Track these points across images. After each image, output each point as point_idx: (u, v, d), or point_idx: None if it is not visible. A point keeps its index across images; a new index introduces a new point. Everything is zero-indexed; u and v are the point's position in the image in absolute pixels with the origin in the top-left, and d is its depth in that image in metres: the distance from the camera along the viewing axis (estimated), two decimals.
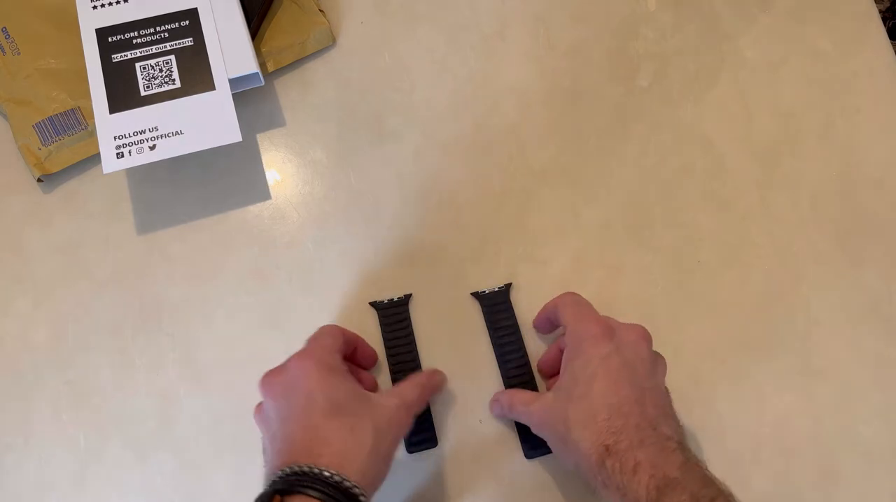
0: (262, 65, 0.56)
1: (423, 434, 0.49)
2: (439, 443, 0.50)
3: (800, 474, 0.49)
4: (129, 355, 0.52)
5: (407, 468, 0.50)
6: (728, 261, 0.54)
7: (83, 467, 0.50)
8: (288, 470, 0.36)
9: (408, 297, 0.53)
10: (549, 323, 0.50)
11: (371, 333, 0.52)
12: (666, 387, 0.44)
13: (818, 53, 0.59)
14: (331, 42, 0.59)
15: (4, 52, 0.56)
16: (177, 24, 0.55)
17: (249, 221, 0.55)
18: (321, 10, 0.59)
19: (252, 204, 0.56)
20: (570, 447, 0.40)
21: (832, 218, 0.55)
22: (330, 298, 0.53)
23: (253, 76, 0.54)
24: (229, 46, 0.54)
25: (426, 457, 0.50)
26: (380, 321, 0.52)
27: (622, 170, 0.56)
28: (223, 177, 0.56)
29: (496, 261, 0.54)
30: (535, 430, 0.45)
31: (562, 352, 0.45)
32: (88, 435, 0.50)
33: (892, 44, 0.60)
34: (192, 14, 0.55)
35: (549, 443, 0.45)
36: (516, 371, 0.51)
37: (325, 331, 0.45)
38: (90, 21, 0.54)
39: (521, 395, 0.47)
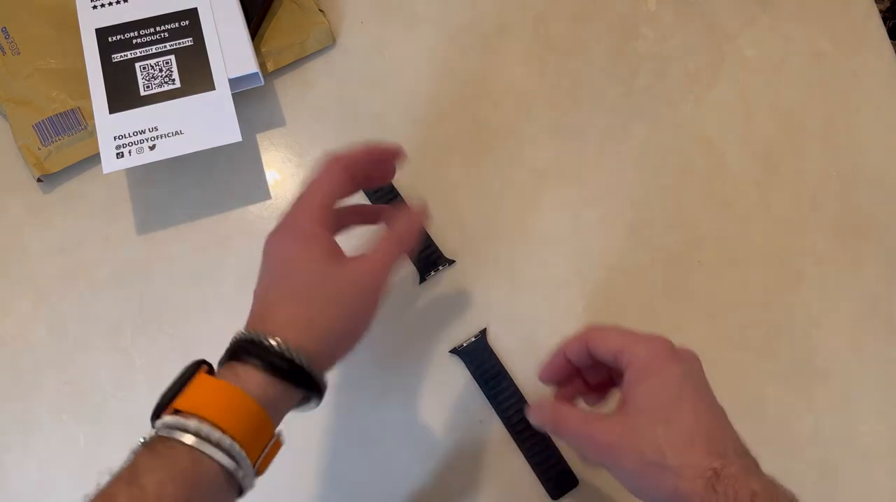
0: (261, 64, 0.56)
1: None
2: (437, 446, 0.50)
3: (800, 474, 0.49)
4: (129, 355, 0.52)
5: (407, 468, 0.50)
6: (728, 261, 0.54)
7: (83, 467, 0.50)
8: (238, 337, 0.36)
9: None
10: (568, 364, 0.44)
11: None
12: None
13: (818, 53, 0.59)
14: (331, 42, 0.59)
15: (4, 52, 0.56)
16: (177, 24, 0.55)
17: (249, 221, 0.55)
18: (321, 10, 0.59)
19: (252, 204, 0.56)
20: (664, 474, 0.36)
21: (832, 217, 0.55)
22: None
23: (253, 76, 0.54)
24: (229, 46, 0.54)
25: (427, 457, 0.50)
26: None
27: (622, 170, 0.56)
28: (223, 178, 0.56)
29: (496, 261, 0.54)
30: (595, 454, 0.40)
31: (568, 359, 0.43)
32: (88, 435, 0.50)
33: (892, 43, 0.60)
34: (192, 14, 0.55)
35: (621, 470, 0.39)
36: (517, 416, 0.50)
37: (318, 182, 0.41)
38: (90, 21, 0.54)
39: (575, 413, 0.41)
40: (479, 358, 0.51)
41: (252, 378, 0.34)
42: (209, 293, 0.54)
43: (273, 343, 0.35)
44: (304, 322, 0.36)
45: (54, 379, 0.52)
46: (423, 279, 0.53)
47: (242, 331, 0.37)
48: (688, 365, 0.40)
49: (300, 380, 0.35)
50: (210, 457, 0.32)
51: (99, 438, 0.50)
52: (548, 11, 0.61)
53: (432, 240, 0.54)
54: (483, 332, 0.52)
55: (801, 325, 0.52)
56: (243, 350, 0.35)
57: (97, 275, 0.54)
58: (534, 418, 0.44)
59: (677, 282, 0.54)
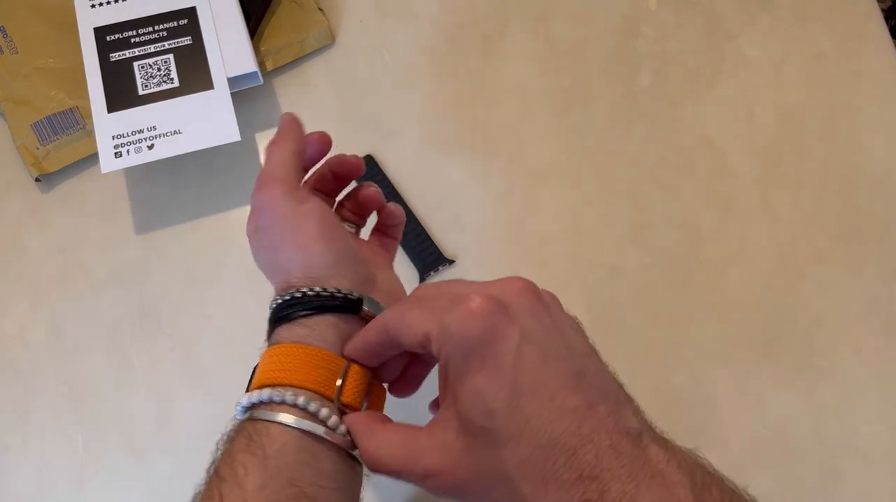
0: (260, 63, 0.56)
1: None
2: None
3: (801, 474, 0.49)
4: (128, 355, 0.52)
5: None
6: (729, 261, 0.54)
7: (82, 468, 0.50)
8: (280, 301, 0.34)
9: None
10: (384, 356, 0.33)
11: None
12: (591, 347, 0.32)
13: (820, 53, 0.59)
14: (330, 41, 0.59)
15: (3, 52, 0.56)
16: (175, 23, 0.54)
17: None
18: (320, 9, 0.59)
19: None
20: None
21: (833, 217, 0.55)
22: None
23: (252, 75, 0.54)
24: (228, 45, 0.54)
25: None
26: None
27: (623, 170, 0.56)
28: (222, 177, 0.56)
29: (496, 261, 0.54)
30: (441, 494, 0.28)
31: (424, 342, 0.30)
32: (87, 435, 0.50)
33: (894, 43, 0.60)
34: (191, 13, 0.55)
35: None
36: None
37: (279, 145, 0.38)
38: (88, 20, 0.54)
39: (387, 432, 0.30)
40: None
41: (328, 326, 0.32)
42: (208, 293, 0.53)
43: (328, 292, 0.33)
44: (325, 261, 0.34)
45: (53, 379, 0.51)
46: (423, 279, 0.53)
47: (292, 289, 0.34)
48: (520, 325, 0.28)
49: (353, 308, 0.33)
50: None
51: (98, 438, 0.50)
52: (548, 11, 0.60)
53: (432, 240, 0.54)
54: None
55: (802, 325, 0.52)
56: (300, 304, 0.33)
57: (96, 275, 0.54)
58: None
59: (678, 282, 0.53)
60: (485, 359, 0.27)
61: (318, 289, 0.33)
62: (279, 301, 0.34)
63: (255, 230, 0.37)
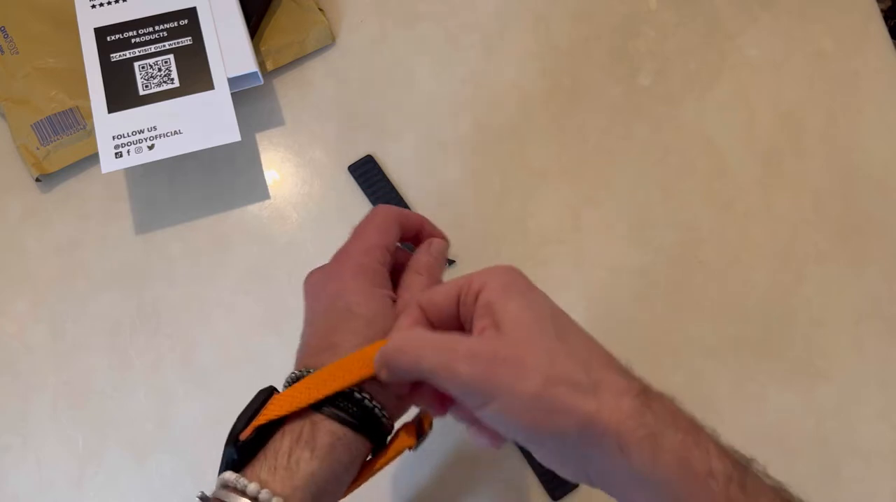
0: (261, 64, 0.56)
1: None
2: (437, 446, 0.49)
3: (801, 474, 0.49)
4: (128, 355, 0.52)
5: (407, 467, 0.49)
6: (729, 261, 0.54)
7: (82, 468, 0.50)
8: (296, 374, 0.33)
9: None
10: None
11: None
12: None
13: (820, 52, 0.59)
14: (330, 41, 0.59)
15: (3, 52, 0.56)
16: (175, 24, 0.54)
17: (248, 221, 0.55)
18: (321, 9, 0.59)
19: (251, 203, 0.56)
20: (575, 394, 0.28)
21: (834, 217, 0.55)
22: None
23: (252, 75, 0.54)
24: (228, 45, 0.54)
25: (427, 457, 0.49)
26: None
27: (623, 170, 0.56)
28: (222, 177, 0.56)
29: (496, 261, 0.54)
30: (469, 380, 0.29)
31: (458, 295, 0.33)
32: (87, 435, 0.50)
33: (893, 43, 0.60)
34: (191, 13, 0.55)
35: (510, 398, 0.28)
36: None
37: (372, 224, 0.38)
38: (89, 20, 0.54)
39: (429, 334, 0.31)
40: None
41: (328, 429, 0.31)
42: (208, 293, 0.53)
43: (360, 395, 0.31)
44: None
45: (53, 379, 0.51)
46: None
47: (303, 367, 0.33)
48: (540, 291, 0.33)
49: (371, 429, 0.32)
50: None
51: (98, 438, 0.50)
52: (548, 11, 0.60)
53: None
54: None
55: (802, 325, 0.52)
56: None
57: (96, 275, 0.54)
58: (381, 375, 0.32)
59: (678, 282, 0.53)
60: (524, 293, 0.31)
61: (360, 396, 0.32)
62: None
63: (327, 281, 0.37)
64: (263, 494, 0.29)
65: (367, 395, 0.32)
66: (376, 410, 0.32)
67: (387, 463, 0.34)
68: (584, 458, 0.29)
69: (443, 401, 0.33)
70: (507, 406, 0.28)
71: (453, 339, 0.30)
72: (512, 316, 0.30)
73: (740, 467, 0.29)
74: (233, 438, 0.31)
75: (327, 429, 0.31)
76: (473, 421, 0.33)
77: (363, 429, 0.31)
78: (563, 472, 0.30)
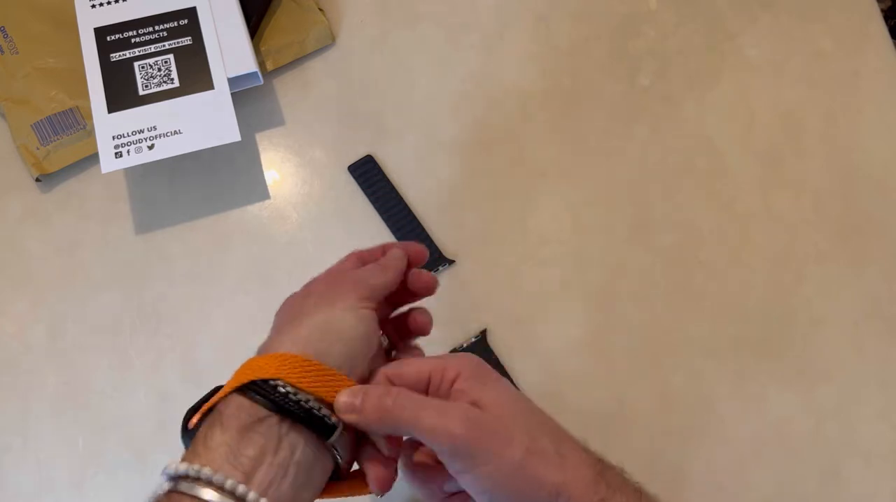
0: (261, 64, 0.56)
1: None
2: None
3: (801, 475, 0.49)
4: (128, 355, 0.52)
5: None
6: (729, 261, 0.54)
7: (82, 468, 0.50)
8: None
9: None
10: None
11: None
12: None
13: (820, 53, 0.59)
14: (330, 41, 0.59)
15: (3, 52, 0.56)
16: (175, 23, 0.54)
17: (248, 221, 0.55)
18: (321, 9, 0.59)
19: (251, 203, 0.56)
20: (548, 465, 0.32)
21: (834, 217, 0.55)
22: None
23: (252, 75, 0.54)
24: (228, 45, 0.54)
25: None
26: None
27: (623, 170, 0.56)
28: (222, 177, 0.56)
29: (496, 261, 0.54)
30: (452, 445, 0.31)
31: (429, 378, 0.35)
32: (87, 435, 0.50)
33: (893, 43, 0.60)
34: (191, 13, 0.55)
35: (490, 464, 0.31)
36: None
37: (384, 270, 0.39)
38: (89, 20, 0.54)
39: (413, 395, 0.33)
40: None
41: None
42: (208, 293, 0.53)
43: (272, 383, 0.31)
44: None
45: (53, 379, 0.51)
46: None
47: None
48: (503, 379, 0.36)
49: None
50: None
51: (98, 438, 0.50)
52: (548, 11, 0.60)
53: (432, 241, 0.54)
54: (483, 333, 0.52)
55: (802, 325, 0.52)
56: (247, 387, 0.32)
57: (95, 274, 0.54)
58: (345, 409, 0.33)
59: (678, 282, 0.53)
60: (497, 381, 0.35)
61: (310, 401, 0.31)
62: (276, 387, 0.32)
63: (313, 292, 0.38)
64: (181, 467, 0.31)
65: (281, 382, 0.32)
66: (290, 396, 0.31)
67: (352, 491, 0.35)
68: None
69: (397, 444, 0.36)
70: (494, 471, 0.31)
71: (449, 404, 0.33)
72: (491, 397, 0.33)
73: None
74: (183, 429, 0.33)
75: (237, 405, 0.32)
76: (440, 497, 0.36)
77: (282, 411, 0.31)
78: None
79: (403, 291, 0.40)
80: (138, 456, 0.50)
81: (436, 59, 0.59)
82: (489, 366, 0.35)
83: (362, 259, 0.41)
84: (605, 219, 0.55)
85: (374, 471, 0.34)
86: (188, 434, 0.33)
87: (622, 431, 0.50)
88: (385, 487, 0.34)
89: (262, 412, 0.31)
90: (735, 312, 0.53)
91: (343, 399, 0.33)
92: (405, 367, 0.35)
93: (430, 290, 0.41)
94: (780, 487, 0.49)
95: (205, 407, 0.33)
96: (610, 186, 0.56)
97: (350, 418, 0.32)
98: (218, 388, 0.34)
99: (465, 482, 0.32)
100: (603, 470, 0.33)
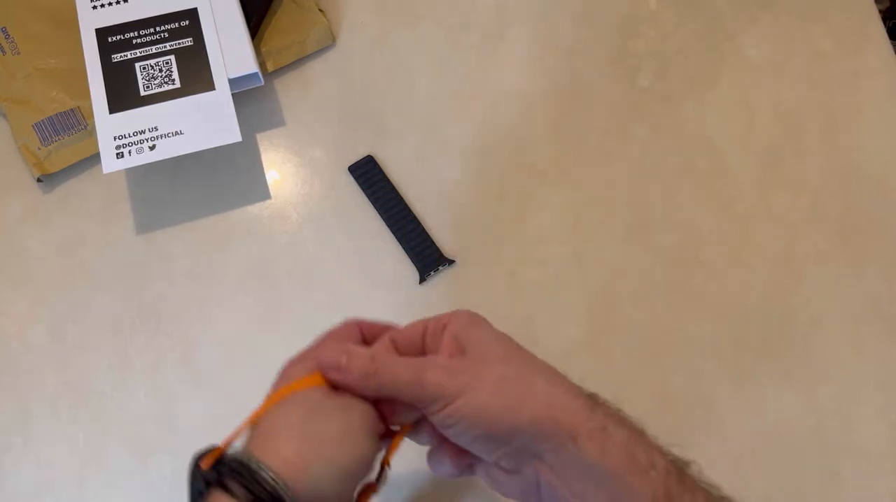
0: (261, 64, 0.56)
1: None
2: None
3: (801, 474, 0.49)
4: (128, 355, 0.52)
5: (407, 467, 0.49)
6: (729, 261, 0.54)
7: (82, 467, 0.50)
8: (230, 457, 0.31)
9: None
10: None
11: None
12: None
13: (819, 53, 0.59)
14: (331, 41, 0.59)
15: (4, 52, 0.56)
16: (176, 24, 0.55)
17: (249, 221, 0.55)
18: (321, 10, 0.59)
19: (252, 203, 0.56)
20: (532, 392, 0.31)
21: (833, 217, 0.55)
22: (329, 298, 0.53)
23: (252, 76, 0.54)
24: (229, 46, 0.54)
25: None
26: None
27: (623, 170, 0.56)
28: (222, 177, 0.56)
29: (496, 261, 0.54)
30: (438, 392, 0.31)
31: (425, 329, 0.36)
32: (87, 435, 0.50)
33: (892, 43, 0.60)
34: (192, 14, 0.55)
35: (474, 402, 0.31)
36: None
37: (330, 336, 0.37)
38: (90, 21, 0.54)
39: (396, 357, 0.34)
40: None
41: None
42: (208, 293, 0.53)
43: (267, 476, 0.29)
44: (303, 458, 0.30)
45: (53, 379, 0.52)
46: (423, 279, 0.53)
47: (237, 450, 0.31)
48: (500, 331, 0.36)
49: None
50: None
51: (98, 438, 0.50)
52: (548, 11, 0.60)
53: (432, 240, 0.54)
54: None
55: (802, 325, 0.52)
56: (231, 472, 0.30)
57: (96, 275, 0.54)
58: (329, 366, 0.32)
59: (678, 282, 0.53)
60: (484, 327, 0.35)
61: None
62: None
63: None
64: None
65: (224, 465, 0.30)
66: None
67: None
68: (536, 455, 0.31)
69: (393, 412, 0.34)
70: (465, 405, 0.31)
71: (422, 359, 0.33)
72: (474, 338, 0.34)
73: (679, 465, 0.32)
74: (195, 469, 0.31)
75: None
76: (435, 439, 0.35)
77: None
78: (512, 489, 0.33)
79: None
80: (138, 456, 0.50)
81: (436, 59, 0.59)
82: (482, 317, 0.35)
83: (361, 330, 0.38)
84: (605, 220, 0.55)
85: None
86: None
87: None
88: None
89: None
90: (735, 312, 0.53)
91: (328, 355, 0.33)
92: (406, 327, 0.36)
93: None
94: (779, 487, 0.49)
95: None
96: (610, 186, 0.56)
97: (335, 377, 0.32)
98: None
99: (440, 422, 0.32)
100: (597, 402, 0.32)
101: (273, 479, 0.29)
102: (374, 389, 0.32)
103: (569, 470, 0.31)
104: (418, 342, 0.36)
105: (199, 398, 0.51)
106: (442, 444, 0.35)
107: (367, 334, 0.38)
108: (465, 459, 0.35)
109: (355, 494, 0.34)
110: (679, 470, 0.32)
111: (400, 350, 0.35)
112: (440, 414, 0.31)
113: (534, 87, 0.58)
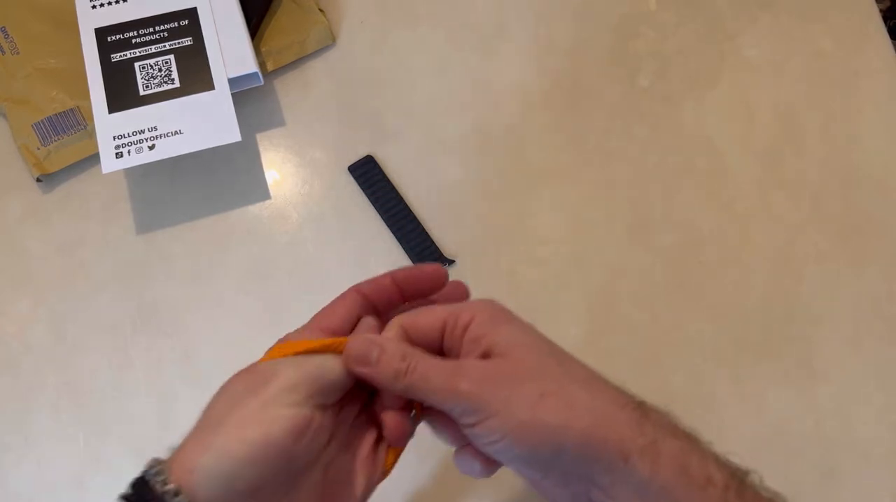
0: (261, 64, 0.56)
1: None
2: (437, 445, 0.49)
3: (800, 475, 0.49)
4: (129, 355, 0.52)
5: (407, 467, 0.49)
6: (729, 261, 0.54)
7: (82, 467, 0.50)
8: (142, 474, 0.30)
9: None
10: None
11: None
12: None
13: (819, 53, 0.59)
14: (331, 41, 0.59)
15: (4, 52, 0.56)
16: (176, 24, 0.54)
17: (249, 221, 0.55)
18: (321, 10, 0.59)
19: (251, 203, 0.56)
20: (576, 406, 0.29)
21: (833, 217, 0.55)
22: (329, 298, 0.53)
23: (252, 76, 0.54)
24: (228, 46, 0.54)
25: (427, 457, 0.49)
26: None
27: (622, 170, 0.56)
28: (222, 177, 0.56)
29: (496, 261, 0.54)
30: (473, 402, 0.29)
31: (444, 325, 0.32)
32: (88, 435, 0.50)
33: (893, 43, 0.60)
34: (192, 13, 0.55)
35: (510, 414, 0.28)
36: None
37: (323, 312, 0.34)
38: (89, 20, 0.54)
39: (432, 359, 0.30)
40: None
41: None
42: (208, 293, 0.53)
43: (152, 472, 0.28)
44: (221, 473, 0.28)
45: (53, 379, 0.52)
46: None
47: (153, 460, 0.30)
48: (525, 320, 0.33)
49: None
50: None
51: (98, 438, 0.50)
52: (548, 11, 0.60)
53: (432, 240, 0.54)
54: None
55: (801, 325, 0.52)
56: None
57: (96, 275, 0.54)
58: (357, 361, 0.30)
59: (678, 282, 0.53)
60: (512, 321, 0.32)
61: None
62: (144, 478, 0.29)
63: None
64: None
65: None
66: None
67: None
68: (586, 476, 0.29)
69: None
70: (503, 421, 0.28)
71: (456, 365, 0.30)
72: (505, 341, 0.30)
73: (738, 476, 0.30)
74: None
75: None
76: (465, 444, 0.32)
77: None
78: (561, 499, 0.30)
79: (396, 295, 0.35)
80: (138, 456, 0.50)
81: (436, 59, 0.59)
82: (505, 308, 0.32)
83: (364, 295, 0.34)
84: (605, 220, 0.55)
85: (389, 419, 0.32)
86: None
87: None
88: (399, 439, 0.32)
89: None
90: (735, 312, 0.53)
91: (359, 345, 0.30)
92: (420, 316, 0.32)
93: (438, 283, 0.35)
94: (779, 487, 0.49)
95: None
96: (610, 186, 0.56)
97: (362, 371, 0.30)
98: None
99: (475, 436, 0.29)
100: (645, 412, 0.30)
101: (165, 493, 0.27)
102: (403, 390, 0.30)
103: (620, 488, 0.28)
104: (436, 337, 0.32)
105: (200, 398, 0.51)
106: (467, 446, 0.32)
107: (377, 303, 0.34)
108: (497, 463, 0.32)
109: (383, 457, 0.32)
110: (739, 481, 0.30)
111: (414, 340, 0.32)
112: (474, 429, 0.29)
113: (534, 87, 0.58)
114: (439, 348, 0.32)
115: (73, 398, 0.51)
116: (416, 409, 0.33)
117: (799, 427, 0.50)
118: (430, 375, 0.29)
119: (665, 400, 0.51)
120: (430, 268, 0.35)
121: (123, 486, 0.50)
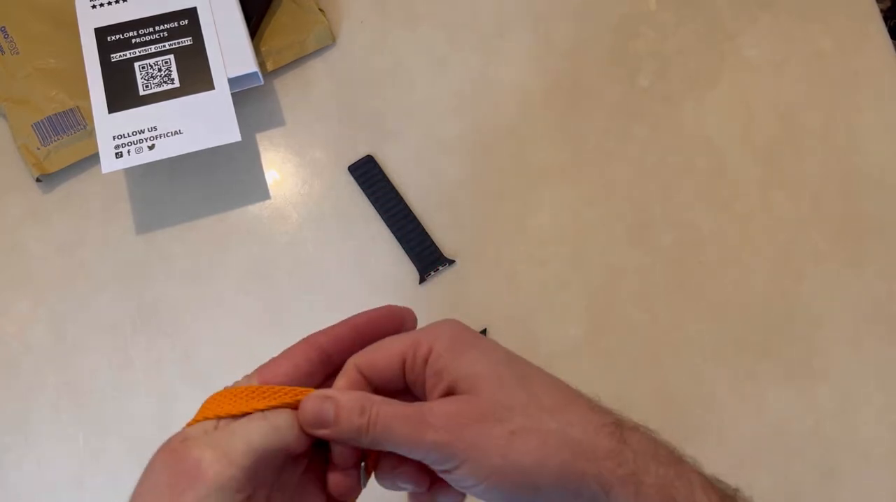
0: (261, 64, 0.56)
1: None
2: None
3: (800, 474, 0.49)
4: (129, 355, 0.52)
5: None
6: (729, 261, 0.54)
7: (82, 467, 0.50)
8: None
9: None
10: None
11: None
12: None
13: (819, 53, 0.59)
14: (330, 41, 0.59)
15: (3, 52, 0.56)
16: (176, 24, 0.54)
17: (249, 221, 0.55)
18: (321, 10, 0.59)
19: (251, 203, 0.56)
20: (549, 438, 0.27)
21: (833, 217, 0.55)
22: (329, 298, 0.53)
23: (252, 75, 0.54)
24: (228, 46, 0.54)
25: None
26: None
27: (622, 170, 0.56)
28: (222, 177, 0.56)
29: (496, 261, 0.54)
30: (439, 449, 0.27)
31: (404, 360, 0.30)
32: (88, 435, 0.50)
33: (893, 43, 0.60)
34: (192, 13, 0.55)
35: (482, 457, 0.27)
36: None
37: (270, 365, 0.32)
38: (89, 20, 0.54)
39: (394, 406, 0.28)
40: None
41: None
42: (208, 293, 0.53)
43: None
44: None
45: (53, 379, 0.52)
46: (422, 279, 0.53)
47: None
48: (489, 340, 0.31)
49: None
50: None
51: (98, 438, 0.50)
52: (548, 11, 0.60)
53: (432, 240, 0.54)
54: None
55: (801, 325, 0.52)
56: None
57: (96, 274, 0.54)
58: (314, 422, 0.28)
59: (678, 282, 0.53)
60: (475, 344, 0.30)
61: None
62: None
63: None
64: None
65: None
66: None
67: None
68: None
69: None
70: (476, 468, 0.27)
71: (418, 410, 0.28)
72: (468, 372, 0.28)
73: (726, 499, 0.29)
74: None
75: None
76: (435, 484, 0.31)
77: None
78: None
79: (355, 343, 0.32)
80: (138, 456, 0.50)
81: (436, 59, 0.59)
82: (465, 329, 0.30)
83: (319, 347, 0.31)
84: (605, 220, 0.55)
85: (334, 479, 0.30)
86: None
87: None
88: (347, 498, 0.30)
89: None
90: (735, 312, 0.53)
91: (312, 406, 0.28)
92: (378, 353, 0.30)
93: (399, 325, 0.32)
94: (779, 487, 0.49)
95: None
96: (610, 186, 0.56)
97: (321, 433, 0.28)
98: None
99: (452, 481, 0.28)
100: (623, 435, 0.28)
101: None
102: (368, 445, 0.28)
103: None
104: (397, 373, 0.30)
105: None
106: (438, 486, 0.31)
107: (333, 354, 0.31)
108: None
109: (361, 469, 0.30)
110: None
111: (375, 384, 0.30)
112: (449, 475, 0.28)
113: (534, 87, 0.58)
114: (402, 383, 0.30)
115: (73, 398, 0.51)
116: (368, 462, 0.30)
117: (799, 427, 0.50)
118: (393, 426, 0.27)
119: (665, 400, 0.51)
120: (389, 310, 0.33)
121: (123, 486, 0.50)
